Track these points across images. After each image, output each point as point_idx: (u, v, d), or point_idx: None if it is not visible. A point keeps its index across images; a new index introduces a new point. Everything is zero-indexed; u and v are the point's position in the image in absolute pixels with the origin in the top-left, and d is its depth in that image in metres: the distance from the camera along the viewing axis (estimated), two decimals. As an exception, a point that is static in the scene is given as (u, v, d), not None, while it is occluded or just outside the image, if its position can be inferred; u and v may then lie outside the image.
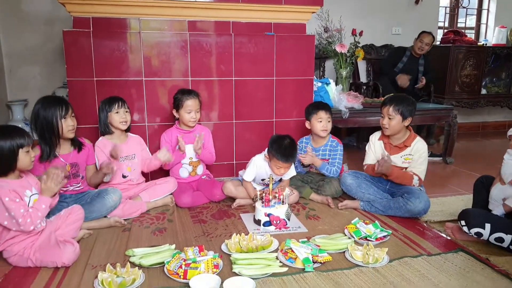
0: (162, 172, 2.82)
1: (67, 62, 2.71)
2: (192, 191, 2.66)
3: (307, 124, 2.77)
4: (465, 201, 2.73)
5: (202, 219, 2.40)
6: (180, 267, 1.70)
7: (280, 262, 1.84)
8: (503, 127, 5.67)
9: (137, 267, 1.74)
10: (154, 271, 1.78)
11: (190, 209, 2.56)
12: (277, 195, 2.33)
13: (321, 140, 2.79)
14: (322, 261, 1.84)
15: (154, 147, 2.89)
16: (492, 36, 5.38)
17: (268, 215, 2.25)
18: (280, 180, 2.64)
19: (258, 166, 2.50)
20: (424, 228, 2.31)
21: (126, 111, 2.52)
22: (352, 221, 2.18)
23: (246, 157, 2.79)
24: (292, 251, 1.85)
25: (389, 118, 2.46)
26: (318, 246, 1.93)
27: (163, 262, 1.79)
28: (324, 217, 2.44)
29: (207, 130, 2.88)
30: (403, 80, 4.29)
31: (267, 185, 2.61)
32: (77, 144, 2.32)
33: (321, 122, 2.70)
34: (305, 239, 2.00)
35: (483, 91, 5.01)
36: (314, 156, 2.71)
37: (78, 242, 1.96)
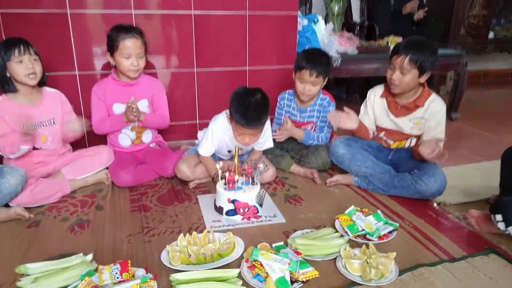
0: (98, 139, 2.15)
1: None
2: (135, 164, 2.02)
3: (294, 76, 2.09)
4: (481, 171, 2.21)
5: (145, 205, 1.78)
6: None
7: (245, 281, 1.26)
8: (505, 76, 5.11)
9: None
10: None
11: (132, 189, 1.93)
12: (245, 172, 1.72)
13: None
14: (305, 280, 1.26)
15: (89, 106, 2.20)
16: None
17: (233, 201, 1.65)
18: (252, 150, 2.01)
19: (220, 133, 1.85)
20: (438, 214, 1.75)
21: (34, 59, 1.79)
22: (346, 211, 1.59)
23: (212, 115, 2.14)
24: (262, 265, 1.27)
25: (402, 73, 1.81)
26: (299, 253, 1.35)
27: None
28: (309, 199, 1.86)
29: (159, 84, 2.16)
30: (410, 7, 3.64)
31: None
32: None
33: (302, 85, 2.03)
34: (281, 243, 1.41)
35: (491, 35, 4.35)
36: (292, 128, 2.07)
37: None
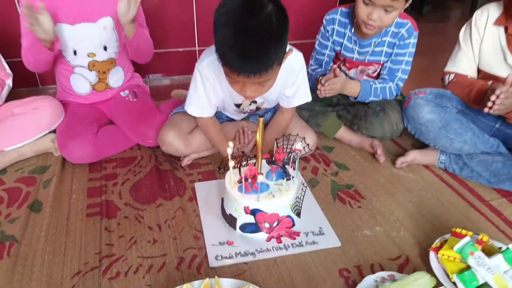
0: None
1: None
2: (98, 126, 1.30)
3: None
4: None
5: (110, 203, 1.11)
6: None
7: None
8: None
9: None
10: None
11: (93, 167, 1.25)
12: (274, 159, 1.02)
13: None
14: None
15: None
16: None
17: (253, 212, 0.97)
18: (278, 108, 1.25)
19: (213, 77, 1.09)
20: None
21: None
22: (456, 247, 0.89)
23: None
24: None
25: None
26: None
27: None
28: (371, 195, 1.17)
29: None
30: None
31: (253, 112, 1.27)
32: None
33: (366, 8, 1.19)
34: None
35: None
36: (344, 83, 1.27)
37: None
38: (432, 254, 0.93)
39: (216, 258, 0.94)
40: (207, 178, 1.21)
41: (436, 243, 0.95)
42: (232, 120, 1.32)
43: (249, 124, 1.31)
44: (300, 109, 1.36)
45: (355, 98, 1.33)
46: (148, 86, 1.48)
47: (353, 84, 1.30)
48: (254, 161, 1.01)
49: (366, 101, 1.34)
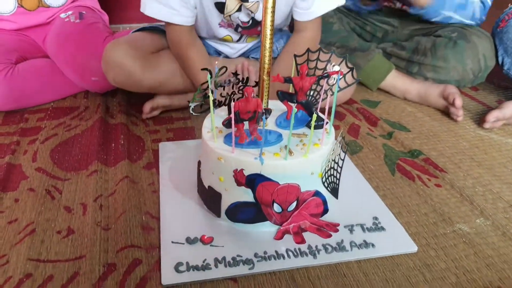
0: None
1: None
2: (17, 55, 0.85)
3: None
4: None
5: (14, 167, 0.66)
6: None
7: None
8: None
9: None
10: None
11: (8, 119, 0.80)
12: (294, 87, 0.55)
13: None
14: None
15: None
16: None
17: (252, 181, 0.50)
18: (295, 28, 0.78)
19: None
20: None
21: None
22: None
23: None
24: None
25: None
26: None
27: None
28: (454, 168, 0.70)
29: None
30: None
31: (247, 28, 0.81)
32: None
33: None
34: None
35: None
36: None
37: None
38: None
39: (177, 268, 0.48)
40: (180, 135, 0.76)
41: None
42: (225, 56, 0.86)
43: (251, 62, 0.86)
44: (328, 45, 0.90)
45: (420, 9, 0.85)
46: (107, 15, 1.02)
47: None
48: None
49: (435, 18, 0.86)
